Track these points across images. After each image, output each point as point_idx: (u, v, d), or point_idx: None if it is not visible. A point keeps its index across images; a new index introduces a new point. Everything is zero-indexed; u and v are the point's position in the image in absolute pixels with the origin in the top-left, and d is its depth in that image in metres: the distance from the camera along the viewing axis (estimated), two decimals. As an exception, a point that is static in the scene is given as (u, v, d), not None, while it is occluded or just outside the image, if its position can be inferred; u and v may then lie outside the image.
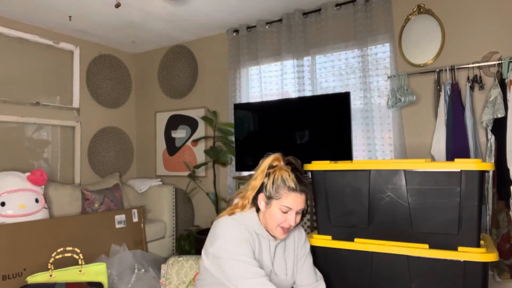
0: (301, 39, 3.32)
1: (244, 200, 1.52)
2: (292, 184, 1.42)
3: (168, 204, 3.85)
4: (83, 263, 2.52)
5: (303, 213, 1.53)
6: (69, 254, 2.51)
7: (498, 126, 2.51)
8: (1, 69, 3.38)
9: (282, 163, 1.50)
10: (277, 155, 1.52)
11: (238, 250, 1.39)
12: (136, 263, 2.83)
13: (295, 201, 1.42)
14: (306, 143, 3.03)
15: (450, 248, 1.60)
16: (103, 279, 2.54)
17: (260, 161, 1.54)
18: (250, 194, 1.50)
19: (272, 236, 1.49)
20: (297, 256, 1.59)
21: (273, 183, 1.44)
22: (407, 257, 1.67)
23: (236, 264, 1.37)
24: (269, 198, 1.44)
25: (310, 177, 1.95)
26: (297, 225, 1.56)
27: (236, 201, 1.55)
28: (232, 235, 1.43)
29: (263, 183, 1.47)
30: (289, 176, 1.43)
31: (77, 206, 3.39)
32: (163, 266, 2.23)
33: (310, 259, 1.63)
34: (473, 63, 2.67)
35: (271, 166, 1.49)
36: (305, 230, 2.82)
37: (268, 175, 1.47)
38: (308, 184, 1.49)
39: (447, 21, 2.80)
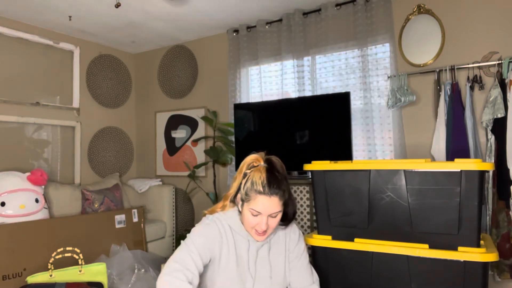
0: (301, 39, 3.32)
1: (225, 200, 1.50)
2: (260, 187, 1.33)
3: (168, 204, 3.85)
4: (83, 263, 2.53)
5: (289, 217, 1.46)
6: (69, 254, 2.52)
7: (498, 126, 2.51)
8: (1, 69, 3.38)
9: (261, 163, 1.42)
10: (256, 155, 1.45)
11: (194, 239, 1.38)
12: (136, 263, 2.83)
13: (263, 204, 1.34)
14: (306, 143, 3.03)
15: (450, 248, 1.60)
16: (103, 279, 2.54)
17: None
18: (230, 195, 1.48)
19: (254, 238, 1.44)
20: (289, 258, 1.53)
21: (245, 185, 1.39)
22: (407, 257, 1.67)
23: (182, 247, 1.37)
24: (242, 200, 1.40)
25: (310, 177, 1.95)
26: (285, 226, 1.50)
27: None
28: (201, 229, 1.42)
29: (241, 184, 1.42)
30: (260, 178, 1.35)
31: (77, 206, 3.39)
32: (163, 266, 2.23)
33: (304, 260, 1.55)
34: (473, 63, 2.67)
35: (252, 166, 1.42)
36: (305, 230, 2.82)
37: (245, 176, 1.41)
38: (286, 186, 1.39)
39: (447, 21, 2.80)
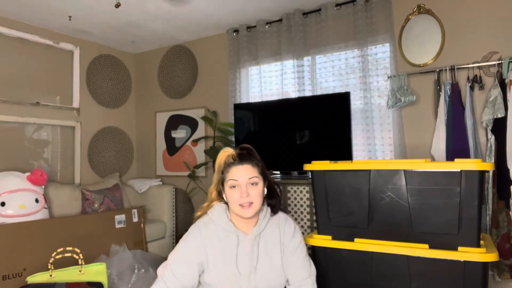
0: (301, 39, 3.32)
1: (210, 195, 1.58)
2: (231, 160, 1.46)
3: (168, 204, 3.85)
4: (83, 263, 2.52)
5: (273, 190, 1.53)
6: (69, 254, 2.51)
7: (498, 126, 2.51)
8: (1, 69, 3.38)
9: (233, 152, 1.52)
10: (227, 148, 1.56)
11: (173, 258, 1.46)
12: (136, 263, 2.83)
13: (237, 172, 1.44)
14: (306, 143, 3.03)
15: (450, 248, 1.60)
16: (103, 279, 2.54)
17: None
18: (212, 190, 1.56)
19: (243, 232, 1.48)
20: (284, 252, 1.52)
21: (220, 168, 1.50)
22: (407, 257, 1.67)
23: (167, 263, 1.48)
24: (222, 184, 1.49)
25: (310, 177, 1.95)
26: (273, 213, 1.54)
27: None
28: (182, 244, 1.49)
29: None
30: (231, 156, 1.48)
31: (77, 206, 3.39)
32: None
33: (300, 254, 1.53)
34: (473, 63, 2.67)
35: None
36: (305, 230, 2.82)
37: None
38: (259, 160, 1.49)
39: (447, 21, 2.80)
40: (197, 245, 1.45)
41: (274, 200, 1.54)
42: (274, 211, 1.54)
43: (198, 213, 1.57)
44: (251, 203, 1.42)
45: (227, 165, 1.46)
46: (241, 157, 1.46)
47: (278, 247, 1.51)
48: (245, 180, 1.43)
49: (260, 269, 1.46)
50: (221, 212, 1.50)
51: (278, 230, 1.54)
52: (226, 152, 1.52)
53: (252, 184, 1.44)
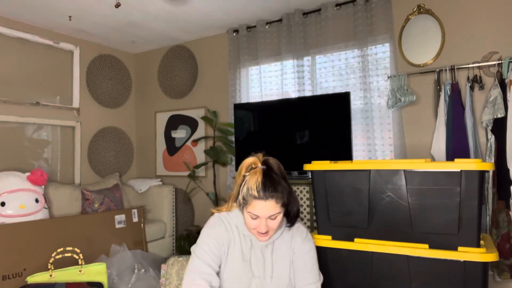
0: (301, 39, 3.32)
1: (230, 201, 1.54)
2: (255, 192, 1.35)
3: (168, 204, 3.85)
4: (83, 263, 2.53)
5: (291, 214, 1.49)
6: (69, 254, 2.52)
7: (498, 126, 2.51)
8: (1, 69, 3.38)
9: (258, 165, 1.42)
10: (254, 157, 1.46)
11: (203, 243, 1.44)
12: (136, 263, 2.83)
13: (260, 208, 1.36)
14: (306, 143, 3.03)
15: (450, 248, 1.60)
16: (103, 279, 2.54)
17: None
18: (233, 195, 1.51)
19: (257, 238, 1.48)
20: (292, 259, 1.52)
21: (242, 190, 1.41)
22: (407, 257, 1.67)
23: (192, 256, 1.45)
24: (242, 204, 1.42)
25: (310, 177, 1.95)
26: (290, 225, 1.53)
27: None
28: (208, 231, 1.47)
29: (240, 187, 1.44)
30: (255, 182, 1.36)
31: (77, 206, 3.39)
32: (163, 266, 2.24)
33: (309, 260, 1.52)
34: (473, 63, 2.67)
35: (250, 168, 1.43)
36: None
37: (244, 178, 1.42)
38: (284, 188, 1.40)
39: (447, 21, 2.80)
40: (222, 233, 1.46)
41: (292, 212, 1.51)
42: (289, 224, 1.53)
43: (214, 211, 1.56)
44: (267, 232, 1.41)
45: (251, 196, 1.37)
46: (266, 189, 1.35)
47: (288, 257, 1.52)
48: (266, 216, 1.38)
49: (275, 278, 1.47)
50: (240, 216, 1.49)
51: (290, 239, 1.54)
52: (254, 171, 1.39)
53: (272, 219, 1.40)
